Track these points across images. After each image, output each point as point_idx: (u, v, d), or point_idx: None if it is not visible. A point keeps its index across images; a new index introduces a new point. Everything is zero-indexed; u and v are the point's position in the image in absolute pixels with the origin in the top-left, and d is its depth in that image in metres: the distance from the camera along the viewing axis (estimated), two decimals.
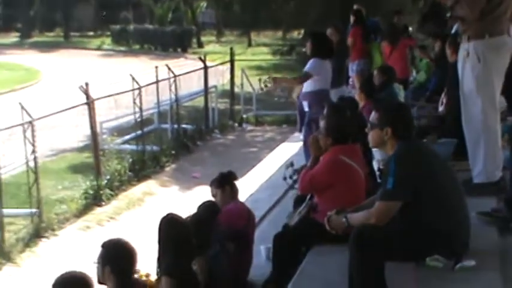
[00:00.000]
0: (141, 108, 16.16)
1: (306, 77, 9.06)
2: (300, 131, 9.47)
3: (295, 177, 8.79)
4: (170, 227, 5.60)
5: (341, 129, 6.14)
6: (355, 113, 7.32)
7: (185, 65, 24.70)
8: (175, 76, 18.13)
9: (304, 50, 11.99)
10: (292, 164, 9.19)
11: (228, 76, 22.69)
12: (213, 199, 6.86)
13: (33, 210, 12.11)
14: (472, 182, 6.21)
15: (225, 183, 6.91)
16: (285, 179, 9.32)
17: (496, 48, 6.09)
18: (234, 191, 6.95)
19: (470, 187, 5.97)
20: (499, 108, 6.32)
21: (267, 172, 11.90)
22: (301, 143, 10.12)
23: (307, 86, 9.06)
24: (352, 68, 13.02)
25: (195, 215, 6.33)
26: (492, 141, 6.15)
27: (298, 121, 9.73)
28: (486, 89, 6.11)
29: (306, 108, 9.15)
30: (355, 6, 13.93)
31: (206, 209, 6.47)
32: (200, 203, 6.61)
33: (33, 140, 12.14)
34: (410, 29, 16.45)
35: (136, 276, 5.18)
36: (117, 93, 16.04)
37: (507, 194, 5.64)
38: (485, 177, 6.18)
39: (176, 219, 5.73)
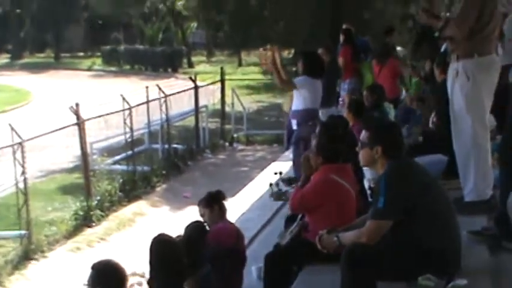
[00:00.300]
0: (131, 129, 16.16)
1: (291, 84, 9.06)
2: (287, 149, 9.44)
3: (283, 188, 8.82)
4: (161, 247, 5.56)
5: (332, 148, 6.13)
6: (346, 131, 7.31)
7: (176, 85, 24.68)
8: (165, 96, 18.15)
9: (294, 69, 11.97)
10: (280, 172, 9.15)
11: (218, 96, 22.72)
12: (201, 219, 6.82)
13: (23, 232, 12.06)
14: (463, 201, 6.21)
15: (213, 202, 6.86)
16: (270, 185, 9.32)
17: (485, 67, 6.11)
18: (222, 210, 6.90)
19: (462, 205, 5.96)
20: (488, 126, 6.34)
21: (258, 191, 11.87)
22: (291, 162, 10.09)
23: (296, 104, 9.05)
24: (344, 87, 13.02)
25: (184, 235, 6.29)
26: (482, 159, 6.15)
27: (285, 139, 9.68)
28: (476, 108, 6.12)
29: (295, 127, 9.13)
30: (344, 26, 13.95)
31: (194, 228, 6.44)
32: (188, 223, 6.57)
33: (23, 161, 12.12)
34: (398, 48, 16.45)
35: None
36: (108, 114, 16.03)
37: (497, 213, 5.63)
38: (476, 195, 6.17)
39: (167, 239, 5.69)
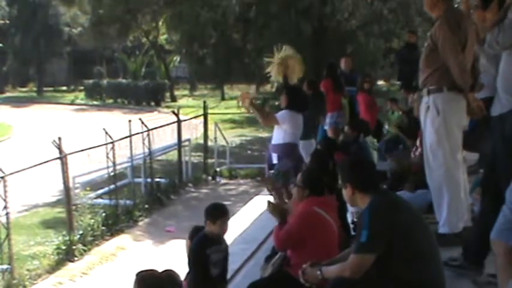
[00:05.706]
0: (114, 163, 16.12)
1: (271, 117, 9.05)
2: None
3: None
4: (147, 282, 5.52)
5: (318, 181, 6.14)
6: (333, 165, 7.30)
7: (158, 118, 24.75)
8: (148, 130, 18.15)
9: (277, 103, 12.00)
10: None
11: (201, 130, 22.75)
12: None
13: (5, 266, 11.98)
14: (436, 232, 6.22)
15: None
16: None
17: (455, 102, 6.11)
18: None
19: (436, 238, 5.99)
20: (462, 160, 6.35)
21: (241, 226, 11.86)
22: None
23: (277, 138, 8.97)
24: (326, 120, 13.04)
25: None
26: (455, 193, 6.17)
27: (266, 174, 9.60)
28: (447, 142, 6.15)
29: (275, 161, 9.06)
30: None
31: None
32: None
33: (5, 196, 12.05)
34: (380, 82, 16.56)
35: None
36: (90, 148, 16.01)
37: (466, 243, 5.62)
38: (448, 228, 6.20)
39: (149, 275, 5.65)
